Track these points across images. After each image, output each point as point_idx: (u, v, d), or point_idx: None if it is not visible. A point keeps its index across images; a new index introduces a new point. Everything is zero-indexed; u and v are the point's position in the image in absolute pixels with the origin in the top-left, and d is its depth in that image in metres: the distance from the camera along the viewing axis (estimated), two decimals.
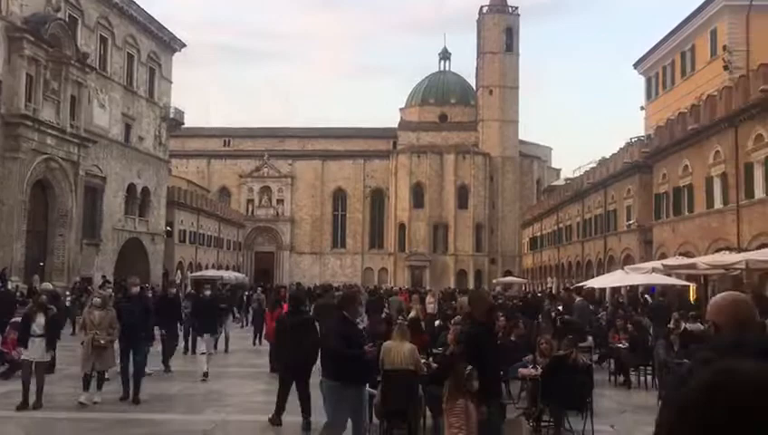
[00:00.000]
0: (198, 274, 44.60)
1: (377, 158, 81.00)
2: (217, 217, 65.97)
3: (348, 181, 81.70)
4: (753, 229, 24.86)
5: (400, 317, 15.52)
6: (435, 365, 9.57)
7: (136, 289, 12.10)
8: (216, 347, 18.41)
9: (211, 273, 44.55)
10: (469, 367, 5.37)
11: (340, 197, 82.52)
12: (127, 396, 10.82)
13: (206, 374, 13.30)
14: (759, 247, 21.70)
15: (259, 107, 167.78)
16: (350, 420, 7.34)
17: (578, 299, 20.23)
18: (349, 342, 7.21)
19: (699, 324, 17.08)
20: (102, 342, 10.35)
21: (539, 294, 38.28)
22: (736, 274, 21.18)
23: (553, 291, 45.86)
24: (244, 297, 31.80)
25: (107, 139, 39.26)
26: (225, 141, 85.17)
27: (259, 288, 33.55)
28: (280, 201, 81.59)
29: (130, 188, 42.55)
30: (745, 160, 25.55)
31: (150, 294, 20.54)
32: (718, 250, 25.04)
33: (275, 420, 9.34)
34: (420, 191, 77.15)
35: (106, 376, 10.90)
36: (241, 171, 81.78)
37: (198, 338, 14.57)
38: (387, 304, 25.28)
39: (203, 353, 13.84)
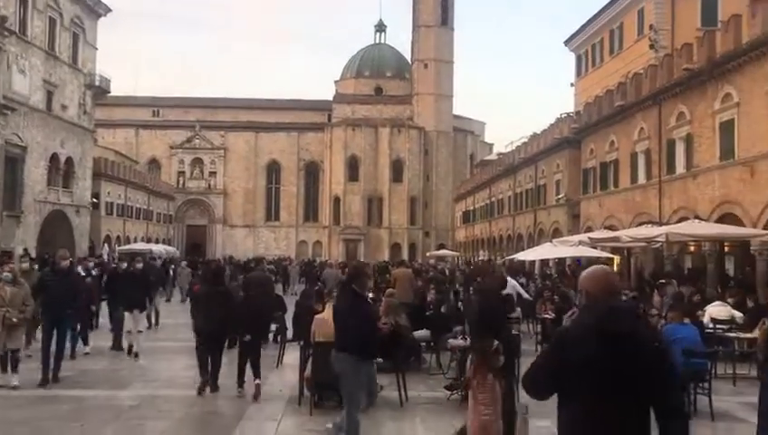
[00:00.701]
0: (127, 247, 43.37)
1: (311, 130, 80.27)
2: (147, 190, 64.29)
3: (282, 154, 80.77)
4: (674, 204, 25.87)
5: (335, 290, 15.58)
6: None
7: (65, 263, 11.36)
8: (156, 323, 18.05)
9: (140, 246, 43.34)
10: (496, 342, 5.24)
11: (274, 169, 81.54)
12: (46, 381, 10.06)
13: (134, 352, 12.88)
14: (679, 221, 22.58)
15: (189, 77, 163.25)
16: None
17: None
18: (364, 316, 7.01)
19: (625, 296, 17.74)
20: (15, 320, 9.80)
21: (472, 267, 38.98)
22: (657, 246, 22.03)
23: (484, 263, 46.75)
24: (170, 271, 31.05)
25: (27, 106, 37.47)
26: (154, 111, 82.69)
27: (183, 262, 32.91)
28: (212, 173, 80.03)
29: (53, 159, 40.84)
30: (668, 137, 26.48)
31: (94, 270, 19.71)
32: (641, 224, 25.97)
33: (202, 389, 9.58)
34: (355, 164, 77.01)
35: (22, 354, 10.47)
36: (171, 142, 79.68)
37: (127, 314, 13.44)
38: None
39: (129, 332, 13.25)
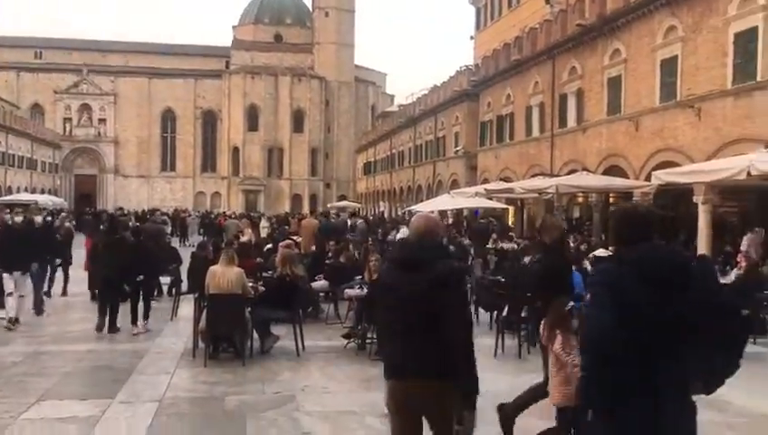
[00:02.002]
0: (8, 198, 40.77)
1: (209, 78, 77.54)
2: (29, 137, 60.49)
3: (177, 102, 77.76)
4: (565, 156, 26.91)
5: (235, 241, 15.41)
6: (263, 289, 9.55)
7: None
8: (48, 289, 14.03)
9: (24, 197, 40.85)
10: (571, 304, 5.00)
11: (169, 117, 78.54)
12: None
13: (12, 320, 10.88)
14: (568, 173, 23.53)
15: (75, 17, 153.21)
16: None
17: (359, 221, 21.41)
18: None
19: (514, 244, 18.44)
20: None
21: (371, 218, 39.30)
22: (548, 197, 22.90)
23: (385, 215, 47.31)
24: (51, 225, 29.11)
25: None
26: (36, 53, 77.27)
27: (63, 213, 31.22)
28: (102, 121, 76.11)
29: None
30: (560, 92, 27.34)
31: None
32: (534, 175, 26.90)
33: (99, 328, 10.27)
34: (255, 114, 75.28)
35: None
36: (56, 87, 74.95)
37: (5, 276, 11.38)
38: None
39: (10, 294, 11.13)
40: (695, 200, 17.31)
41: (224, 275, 8.59)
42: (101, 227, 13.70)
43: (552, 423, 4.90)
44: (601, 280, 2.98)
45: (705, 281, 3.07)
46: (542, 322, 4.89)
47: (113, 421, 6.20)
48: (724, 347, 2.95)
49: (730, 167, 11.55)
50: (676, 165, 17.85)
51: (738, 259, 13.36)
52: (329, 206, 62.97)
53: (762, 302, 10.53)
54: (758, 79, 17.07)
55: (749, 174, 10.64)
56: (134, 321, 10.46)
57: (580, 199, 25.96)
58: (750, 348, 9.96)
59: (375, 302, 8.50)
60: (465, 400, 3.19)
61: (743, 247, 14.63)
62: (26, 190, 52.67)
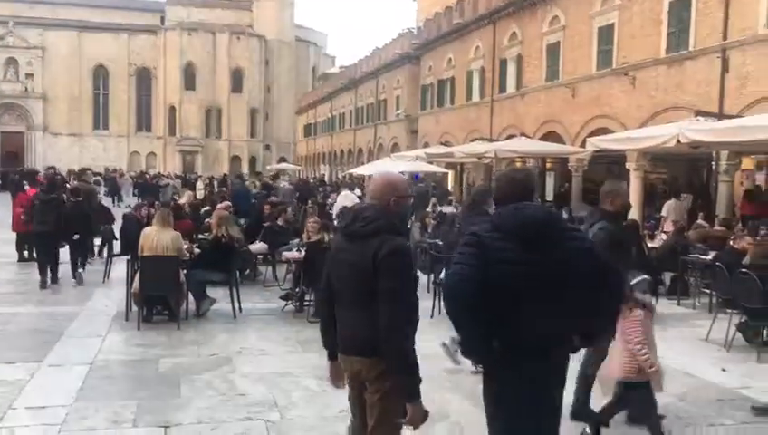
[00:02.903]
0: None
1: (143, 33, 74.66)
2: None
3: (110, 57, 74.74)
4: (504, 121, 27.22)
5: (171, 202, 15.16)
6: (198, 251, 9.40)
7: None
8: None
9: None
10: (645, 277, 4.85)
11: (101, 74, 75.52)
12: None
13: None
14: (507, 138, 23.85)
15: None
16: None
17: (283, 184, 21.43)
18: None
19: (453, 207, 18.63)
20: None
21: (311, 181, 39.05)
22: (487, 162, 23.18)
23: (326, 178, 47.07)
24: None
25: None
26: None
27: None
28: (29, 75, 72.55)
29: None
30: (501, 57, 27.52)
31: None
32: (474, 140, 27.13)
33: (43, 286, 10.67)
34: (192, 72, 73.11)
35: None
36: None
37: None
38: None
39: None
40: (627, 166, 17.81)
41: (158, 237, 8.39)
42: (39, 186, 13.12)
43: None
44: (471, 239, 3.09)
45: (580, 241, 3.19)
46: None
47: (42, 384, 6.05)
48: (599, 305, 3.11)
49: (661, 134, 11.87)
50: (611, 132, 18.29)
51: (663, 224, 13.89)
52: (268, 168, 62.23)
53: (686, 265, 10.98)
54: (690, 48, 17.55)
55: (678, 142, 10.96)
56: (74, 273, 11.26)
57: (519, 164, 26.31)
58: (674, 309, 10.42)
59: (313, 264, 8.52)
60: (405, 391, 3.02)
61: (663, 213, 15.17)
62: None
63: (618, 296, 3.34)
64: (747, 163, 17.47)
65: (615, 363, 4.75)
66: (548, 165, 25.92)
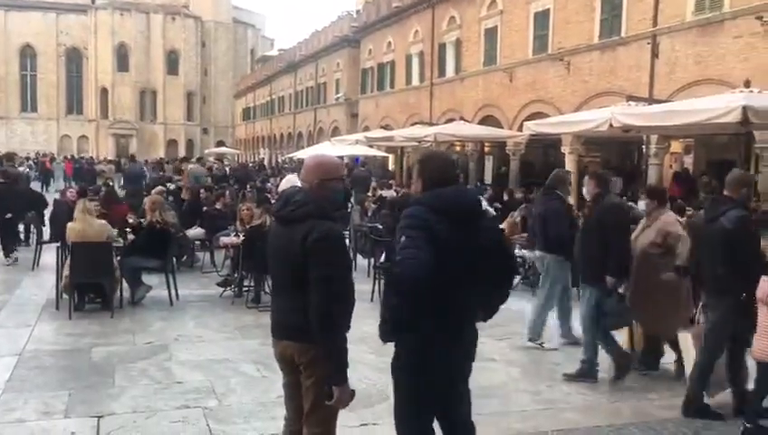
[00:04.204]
0: None
1: (72, 12, 71.90)
2: None
3: (38, 37, 71.82)
4: (443, 105, 27.38)
5: (103, 188, 14.76)
6: (132, 237, 9.16)
7: None
8: None
9: None
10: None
11: (28, 54, 72.55)
12: None
13: None
14: (447, 122, 23.97)
15: None
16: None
17: (190, 166, 21.18)
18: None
19: (394, 192, 18.67)
20: None
21: (251, 165, 38.54)
22: (427, 145, 23.28)
23: (265, 162, 46.53)
24: None
25: None
26: None
27: None
28: None
29: None
30: (440, 41, 27.62)
31: None
32: (414, 124, 27.23)
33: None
34: (125, 53, 70.92)
35: None
36: None
37: None
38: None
39: None
40: (562, 150, 18.19)
41: (84, 231, 8.10)
42: None
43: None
44: (414, 222, 3.14)
45: (491, 221, 3.58)
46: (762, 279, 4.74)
47: None
48: (499, 283, 3.37)
49: (594, 118, 12.13)
50: (547, 116, 18.62)
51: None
52: (206, 152, 61.07)
53: None
54: (623, 35, 17.98)
55: (611, 125, 11.22)
56: (6, 253, 11.65)
57: (458, 148, 26.61)
58: None
59: (253, 249, 8.41)
60: (329, 372, 3.01)
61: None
62: None
63: (513, 270, 3.73)
64: (676, 147, 18.05)
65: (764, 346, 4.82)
66: (486, 148, 26.23)
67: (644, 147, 17.43)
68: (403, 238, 3.09)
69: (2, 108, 71.50)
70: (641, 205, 11.89)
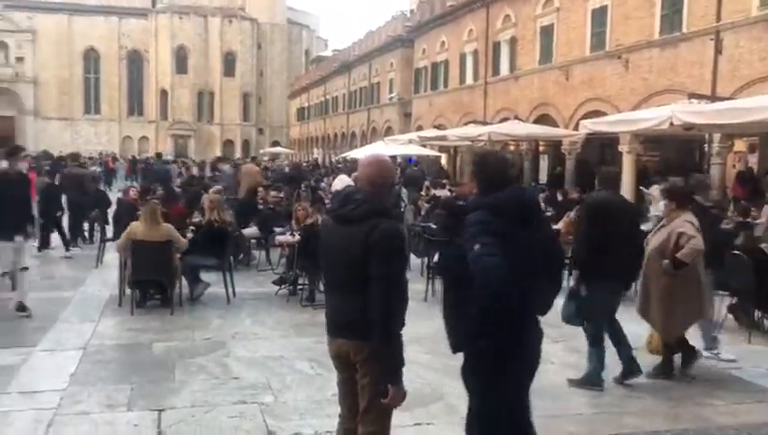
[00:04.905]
0: None
1: (133, 16, 74.06)
2: None
3: (101, 41, 74.18)
4: (498, 104, 27.15)
5: (160, 188, 15.01)
6: (191, 235, 9.36)
7: None
8: None
9: None
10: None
11: (92, 58, 74.97)
12: None
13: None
14: (501, 121, 23.80)
15: None
16: None
17: (227, 166, 21.27)
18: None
19: (447, 191, 18.62)
20: None
21: (305, 165, 38.93)
22: (481, 145, 23.13)
23: (319, 162, 46.93)
24: None
25: None
26: None
27: None
28: (19, 59, 71.97)
29: None
30: (494, 39, 27.40)
31: None
32: (467, 123, 27.12)
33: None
34: (184, 56, 72.62)
35: None
36: None
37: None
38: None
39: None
40: (620, 149, 17.81)
41: (148, 235, 8.18)
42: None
43: None
44: (483, 228, 3.15)
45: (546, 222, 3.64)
46: None
47: (35, 369, 6.05)
48: (554, 277, 3.48)
49: (653, 117, 11.87)
50: (604, 114, 18.28)
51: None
52: (261, 152, 62.00)
53: None
54: (684, 31, 17.51)
55: (671, 124, 10.97)
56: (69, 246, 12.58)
57: (512, 147, 26.36)
58: None
59: (308, 247, 8.51)
60: (385, 371, 3.03)
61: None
62: None
63: (564, 265, 3.94)
64: (740, 145, 17.50)
65: None
66: (541, 148, 25.91)
67: (706, 146, 16.94)
68: (477, 246, 3.08)
69: (66, 110, 74.08)
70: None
